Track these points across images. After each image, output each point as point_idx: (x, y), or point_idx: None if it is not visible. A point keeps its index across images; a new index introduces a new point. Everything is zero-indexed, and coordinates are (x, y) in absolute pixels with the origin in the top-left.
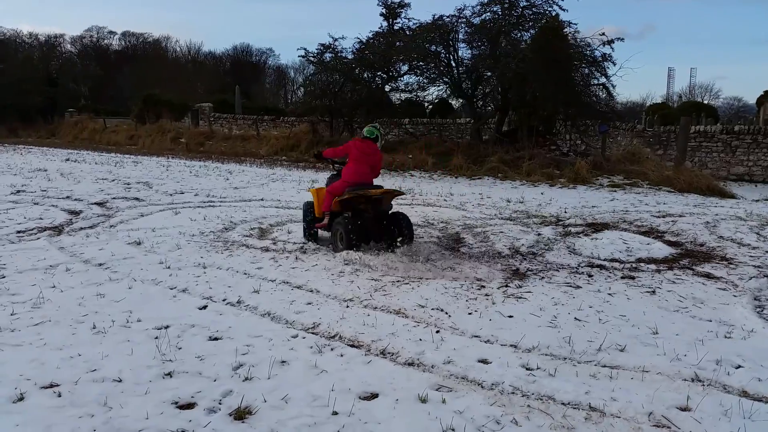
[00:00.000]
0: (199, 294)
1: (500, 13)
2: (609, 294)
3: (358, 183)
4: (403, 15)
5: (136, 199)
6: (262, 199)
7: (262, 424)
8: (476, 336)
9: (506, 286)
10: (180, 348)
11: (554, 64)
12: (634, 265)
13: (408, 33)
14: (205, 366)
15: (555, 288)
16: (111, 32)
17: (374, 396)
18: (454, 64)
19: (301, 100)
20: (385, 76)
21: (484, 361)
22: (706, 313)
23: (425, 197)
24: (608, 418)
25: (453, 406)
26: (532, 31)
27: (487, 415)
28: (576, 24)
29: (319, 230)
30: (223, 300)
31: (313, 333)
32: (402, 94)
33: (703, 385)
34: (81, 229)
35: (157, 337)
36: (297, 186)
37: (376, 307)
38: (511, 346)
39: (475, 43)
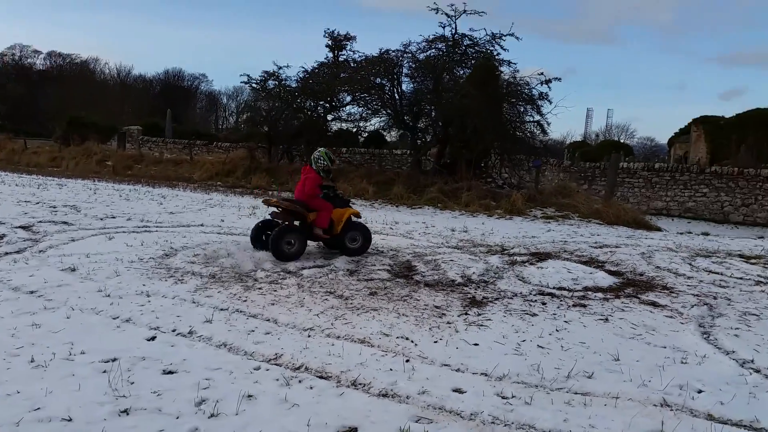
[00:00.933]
0: (146, 324)
1: (444, 50)
2: (565, 321)
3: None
4: (348, 47)
5: (65, 222)
6: (201, 225)
7: None
8: (446, 365)
9: (466, 314)
10: (133, 383)
11: (490, 101)
12: (582, 293)
13: (353, 65)
14: (164, 402)
15: (513, 316)
16: (36, 51)
17: (353, 430)
18: (397, 97)
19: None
20: (327, 105)
21: (459, 391)
22: (659, 340)
23: (371, 225)
24: None
25: None
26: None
27: None
28: (516, 63)
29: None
30: (173, 330)
31: (276, 364)
32: (343, 124)
33: (673, 410)
34: (6, 254)
35: (105, 371)
36: (237, 212)
37: (339, 336)
38: (482, 374)
39: (418, 78)
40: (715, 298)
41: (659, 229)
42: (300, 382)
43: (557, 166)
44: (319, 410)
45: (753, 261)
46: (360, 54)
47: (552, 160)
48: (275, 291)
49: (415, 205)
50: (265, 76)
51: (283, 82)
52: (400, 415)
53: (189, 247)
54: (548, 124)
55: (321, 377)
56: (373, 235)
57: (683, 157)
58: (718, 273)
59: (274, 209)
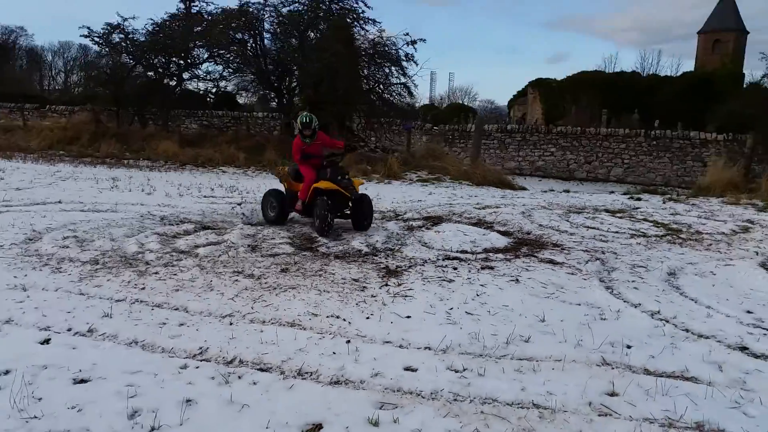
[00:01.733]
0: (33, 324)
1: (307, 4)
2: (481, 285)
3: None
4: None
5: None
6: (59, 202)
7: None
8: (388, 341)
9: (386, 285)
10: (41, 398)
11: (353, 60)
12: (484, 255)
13: (207, 18)
14: (89, 418)
15: (432, 283)
16: None
17: (319, 427)
18: (260, 54)
19: (71, 87)
20: (182, 63)
21: (411, 369)
22: (572, 298)
23: (254, 195)
24: (558, 414)
25: (409, 424)
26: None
27: (448, 429)
28: (380, 23)
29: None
30: (69, 330)
31: (204, 360)
32: (202, 84)
33: (614, 369)
34: None
35: (1, 388)
36: (96, 185)
37: (264, 321)
38: (426, 348)
39: (282, 35)
40: (603, 252)
41: (524, 188)
42: (240, 378)
43: (420, 129)
44: (273, 408)
45: (619, 215)
46: (215, 6)
47: (418, 122)
48: (175, 275)
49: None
50: (109, 29)
51: (130, 36)
52: (361, 403)
53: (54, 228)
54: (415, 86)
55: (261, 370)
56: (254, 205)
57: (522, 118)
58: (595, 228)
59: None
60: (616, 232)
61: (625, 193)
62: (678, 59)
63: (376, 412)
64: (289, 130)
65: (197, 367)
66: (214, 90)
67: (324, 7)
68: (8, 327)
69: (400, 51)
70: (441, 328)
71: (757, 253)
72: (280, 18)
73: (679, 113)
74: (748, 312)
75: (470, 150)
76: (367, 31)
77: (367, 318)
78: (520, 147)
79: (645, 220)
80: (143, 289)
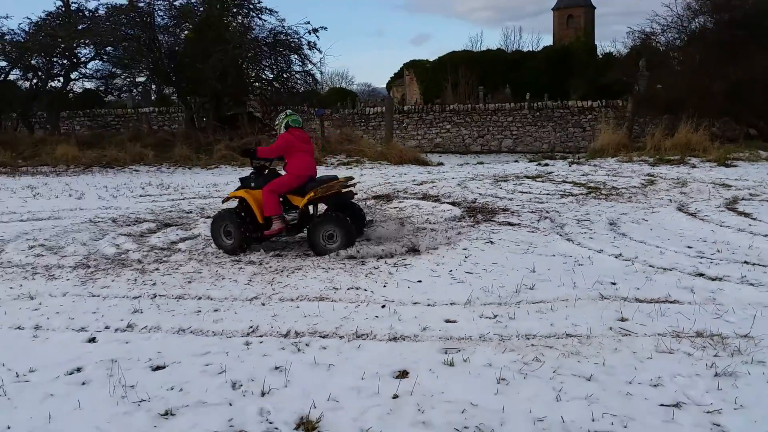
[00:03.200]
0: (66, 327)
1: None
2: (464, 249)
3: (311, 175)
4: None
5: None
6: None
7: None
8: (416, 303)
9: (381, 257)
10: (133, 386)
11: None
12: (449, 224)
13: (88, 14)
14: (197, 394)
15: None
16: None
17: (405, 373)
18: (156, 49)
19: None
20: (67, 63)
21: (450, 321)
22: (545, 251)
23: (194, 190)
24: (592, 338)
25: (478, 362)
26: (240, 18)
27: (514, 360)
28: (277, 12)
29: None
30: (107, 328)
31: (261, 336)
32: (90, 83)
33: (612, 300)
34: None
35: (85, 383)
36: (14, 194)
37: (293, 299)
38: (452, 303)
39: (175, 29)
40: (547, 212)
41: (441, 164)
42: (308, 345)
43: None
44: (356, 364)
45: (540, 180)
46: (98, 2)
47: (329, 110)
48: (177, 269)
49: (210, 165)
50: None
51: (6, 37)
52: (428, 351)
53: (10, 239)
54: (321, 73)
55: (322, 337)
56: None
57: (401, 99)
58: (527, 192)
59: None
60: (547, 194)
61: (531, 161)
62: (538, 35)
63: (449, 357)
64: (192, 125)
65: (261, 342)
66: (103, 89)
67: None
68: (43, 332)
69: (302, 39)
70: (453, 287)
71: (670, 201)
72: (174, 11)
73: (544, 85)
74: (689, 247)
75: (374, 132)
76: (265, 21)
77: (384, 286)
78: (418, 126)
79: (564, 181)
80: (154, 284)
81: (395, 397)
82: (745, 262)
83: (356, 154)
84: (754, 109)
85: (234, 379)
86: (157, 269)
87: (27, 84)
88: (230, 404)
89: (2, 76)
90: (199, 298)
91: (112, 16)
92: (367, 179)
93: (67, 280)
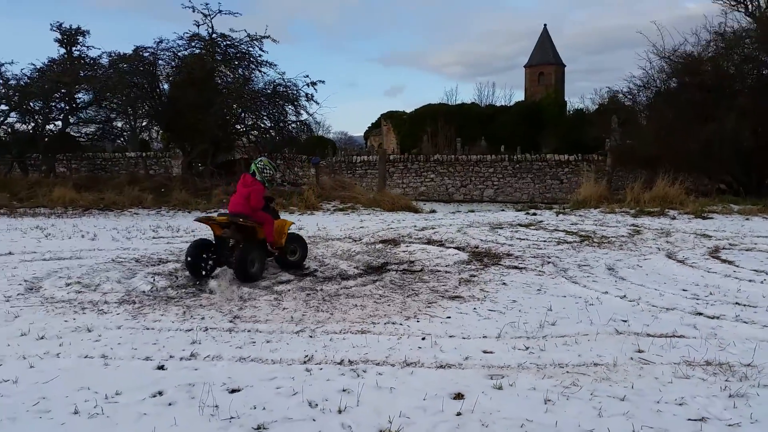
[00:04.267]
0: (131, 357)
1: (203, 49)
2: (482, 290)
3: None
4: (81, 42)
5: None
6: (10, 253)
7: None
8: (452, 336)
9: (407, 296)
10: (216, 406)
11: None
12: (460, 267)
13: (88, 61)
14: (280, 410)
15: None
16: None
17: (461, 395)
18: (157, 96)
19: None
20: (66, 107)
21: (488, 351)
22: (555, 292)
23: (205, 233)
24: (618, 366)
25: (523, 385)
26: (241, 71)
27: (554, 384)
28: (276, 65)
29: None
30: (171, 357)
31: (317, 364)
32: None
33: (628, 335)
34: None
35: (170, 404)
36: (25, 235)
37: (336, 332)
38: (484, 337)
39: (180, 77)
40: (548, 258)
41: (434, 211)
42: (365, 371)
43: (307, 163)
44: (415, 386)
45: (533, 228)
46: (98, 50)
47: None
48: (213, 303)
49: (209, 209)
50: None
51: (9, 82)
52: (476, 377)
53: (43, 277)
54: (318, 123)
55: (377, 364)
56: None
57: (379, 148)
58: (525, 239)
59: (216, 227)
60: (544, 241)
61: (519, 210)
62: (510, 90)
63: (492, 381)
64: (189, 170)
65: (321, 369)
66: (99, 133)
67: (220, 51)
68: (111, 361)
69: (300, 91)
70: (482, 323)
71: (659, 249)
72: (178, 61)
73: (517, 138)
74: (684, 290)
75: (361, 180)
76: (265, 73)
77: (418, 321)
78: (404, 175)
79: (556, 230)
80: (203, 318)
81: (458, 414)
82: (737, 303)
83: (350, 201)
84: (724, 166)
85: (309, 399)
86: (200, 305)
87: (25, 127)
88: (313, 419)
89: (2, 118)
90: (248, 331)
91: (115, 64)
92: (369, 225)
93: (118, 314)
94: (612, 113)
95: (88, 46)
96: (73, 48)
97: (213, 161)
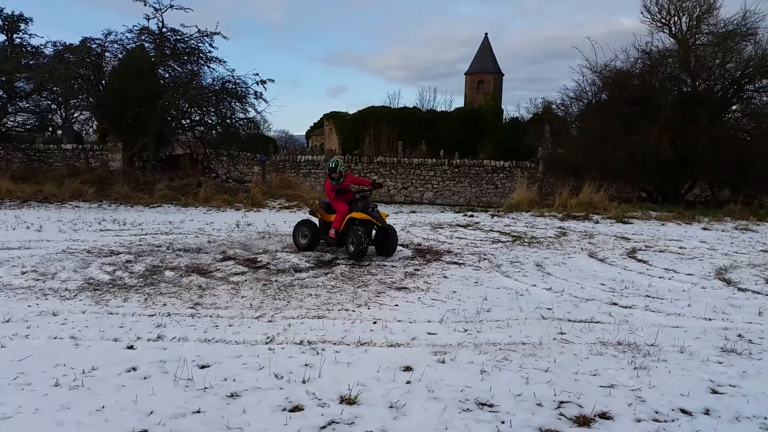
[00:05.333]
0: (100, 338)
1: (152, 43)
2: (426, 282)
3: None
4: (23, 30)
5: None
6: None
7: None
8: (400, 320)
9: (357, 287)
10: (190, 378)
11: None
12: (405, 263)
13: (30, 50)
14: (251, 380)
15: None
16: None
17: (410, 368)
18: (101, 88)
19: None
20: (5, 96)
21: (432, 333)
22: (491, 284)
23: (152, 227)
24: (543, 345)
25: (463, 360)
26: (190, 66)
27: (489, 359)
28: (226, 62)
29: None
30: (138, 338)
31: (279, 344)
32: (19, 117)
33: (551, 321)
34: None
35: (148, 377)
36: None
37: (294, 317)
38: (428, 321)
39: (126, 70)
40: (484, 255)
41: None
42: (323, 350)
43: (253, 160)
44: (369, 362)
45: (471, 228)
46: (41, 38)
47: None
48: (174, 293)
49: (152, 203)
50: None
51: None
52: (423, 353)
53: None
54: (266, 121)
55: (334, 344)
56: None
57: (320, 148)
58: (463, 238)
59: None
60: (481, 240)
61: (457, 212)
62: (450, 96)
63: (437, 357)
64: (131, 164)
65: (283, 348)
66: (37, 124)
67: (169, 46)
68: (82, 342)
69: (250, 89)
70: (426, 309)
71: (582, 249)
72: (126, 53)
73: (456, 143)
74: (602, 284)
75: (305, 179)
76: (213, 69)
77: (369, 308)
78: (357, 173)
79: (491, 230)
80: (165, 305)
81: (408, 382)
82: (647, 295)
83: (296, 199)
84: (646, 176)
85: (275, 372)
86: (160, 293)
87: None
88: (281, 388)
89: None
90: (210, 316)
91: (61, 55)
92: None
93: (80, 300)
94: (545, 123)
95: (30, 34)
96: (15, 35)
97: (156, 156)
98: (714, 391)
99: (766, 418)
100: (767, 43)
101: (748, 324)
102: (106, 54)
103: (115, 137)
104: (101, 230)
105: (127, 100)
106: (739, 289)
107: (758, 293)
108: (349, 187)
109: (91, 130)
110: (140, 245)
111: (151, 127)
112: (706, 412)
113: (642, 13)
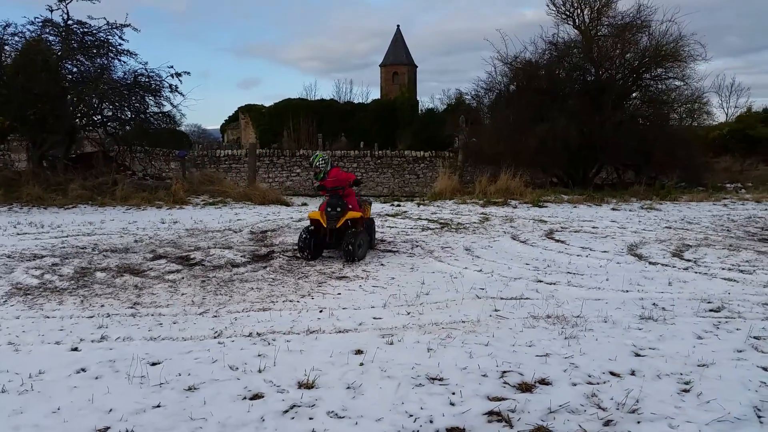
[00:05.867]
0: (41, 342)
1: (59, 36)
2: (364, 270)
3: None
4: None
5: None
6: None
7: None
8: (345, 308)
9: (299, 279)
10: (142, 376)
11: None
12: (340, 253)
13: None
14: (204, 373)
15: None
16: None
17: (360, 351)
18: (3, 85)
19: None
20: None
21: (377, 318)
22: (426, 269)
23: (72, 228)
24: (480, 322)
25: (409, 341)
26: (100, 60)
27: (433, 338)
28: (137, 54)
29: None
30: (81, 340)
31: (228, 337)
32: None
33: (485, 300)
34: None
35: (98, 377)
36: None
37: (239, 311)
38: (372, 307)
39: (30, 66)
40: (416, 242)
41: (305, 204)
42: (274, 340)
43: (169, 156)
44: (321, 347)
45: (400, 217)
46: None
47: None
48: (110, 294)
49: (67, 204)
50: None
51: None
52: (371, 337)
53: None
54: (183, 116)
55: (284, 333)
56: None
57: (236, 142)
58: (394, 227)
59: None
60: (411, 228)
61: (384, 202)
62: (367, 88)
63: (384, 339)
64: (40, 163)
65: (232, 341)
66: None
67: (76, 39)
68: (22, 347)
69: (164, 82)
70: (369, 296)
71: (505, 232)
72: (26, 46)
73: (375, 134)
74: (527, 264)
75: (226, 174)
76: (125, 62)
77: (312, 298)
78: (269, 169)
79: (419, 218)
80: (102, 306)
81: (361, 364)
82: (569, 272)
83: (220, 195)
84: (556, 162)
85: (230, 364)
86: (96, 294)
87: None
88: (238, 379)
89: None
90: (152, 315)
91: None
92: (246, 217)
93: (12, 305)
94: (460, 113)
95: None
96: None
97: (67, 154)
98: (637, 354)
99: (681, 374)
100: (660, 35)
101: (661, 294)
102: (6, 48)
103: (20, 136)
104: (18, 234)
105: (31, 96)
106: (650, 263)
107: (666, 266)
108: (332, 185)
109: None
110: (63, 248)
111: (60, 124)
112: (632, 373)
113: (548, 5)
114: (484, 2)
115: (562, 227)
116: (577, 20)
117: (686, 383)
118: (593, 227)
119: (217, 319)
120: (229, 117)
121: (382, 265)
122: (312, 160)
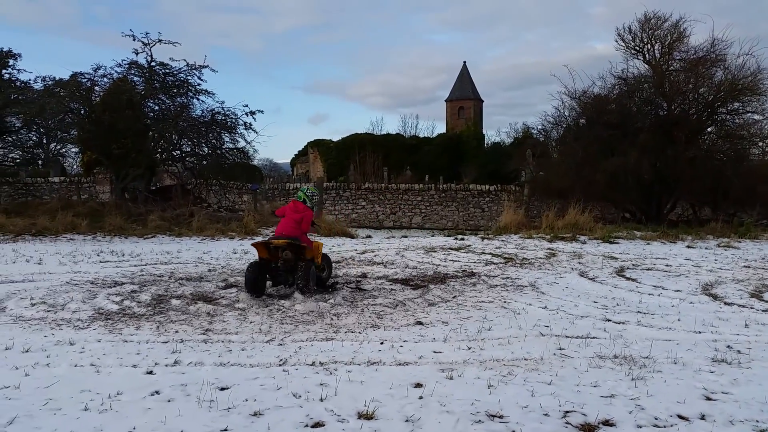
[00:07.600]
0: (119, 365)
1: (140, 77)
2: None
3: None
4: (11, 65)
5: None
6: None
7: None
8: (406, 341)
9: (362, 311)
10: (211, 401)
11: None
12: (401, 286)
13: (18, 84)
14: (268, 399)
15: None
16: None
17: (420, 384)
18: (91, 122)
19: None
20: None
21: (437, 352)
22: (492, 305)
23: (151, 257)
24: (544, 360)
25: (470, 376)
26: (180, 99)
27: (494, 374)
28: (215, 94)
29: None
30: (156, 364)
31: (293, 365)
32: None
33: (549, 337)
34: None
35: (178, 397)
36: None
37: (303, 340)
38: (433, 340)
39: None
40: (479, 276)
41: (370, 237)
42: (336, 370)
43: (242, 189)
44: (381, 379)
45: (464, 251)
46: (29, 73)
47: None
48: (185, 321)
49: (146, 234)
50: None
51: None
52: (431, 370)
53: (2, 299)
54: (256, 151)
55: (345, 364)
56: (164, 266)
57: (305, 175)
58: (457, 261)
59: (263, 250)
60: (474, 262)
61: (447, 236)
62: (432, 122)
63: (444, 373)
64: (123, 195)
65: (296, 369)
66: (27, 158)
67: (158, 80)
68: (102, 368)
69: (239, 120)
70: (429, 329)
71: (572, 269)
72: (114, 85)
73: (440, 168)
74: (595, 302)
75: None
76: (203, 101)
77: (374, 330)
78: (336, 202)
79: (483, 253)
80: (177, 332)
81: (420, 398)
82: (638, 311)
83: None
84: (628, 197)
85: (293, 392)
86: (171, 321)
87: None
88: (300, 406)
89: None
90: (221, 342)
91: (51, 89)
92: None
93: (94, 329)
94: (527, 147)
95: (18, 69)
96: (3, 70)
97: (147, 187)
98: (708, 398)
99: (757, 421)
100: (736, 68)
101: (736, 335)
102: (96, 88)
103: (104, 169)
104: (101, 261)
105: (116, 132)
106: (726, 303)
107: (743, 306)
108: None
109: (75, 163)
110: (142, 275)
111: (142, 158)
112: (702, 417)
113: (617, 41)
114: (553, 36)
115: (633, 264)
116: (647, 55)
117: (762, 431)
118: (666, 265)
119: (283, 347)
120: (299, 151)
121: (453, 298)
122: (309, 194)
